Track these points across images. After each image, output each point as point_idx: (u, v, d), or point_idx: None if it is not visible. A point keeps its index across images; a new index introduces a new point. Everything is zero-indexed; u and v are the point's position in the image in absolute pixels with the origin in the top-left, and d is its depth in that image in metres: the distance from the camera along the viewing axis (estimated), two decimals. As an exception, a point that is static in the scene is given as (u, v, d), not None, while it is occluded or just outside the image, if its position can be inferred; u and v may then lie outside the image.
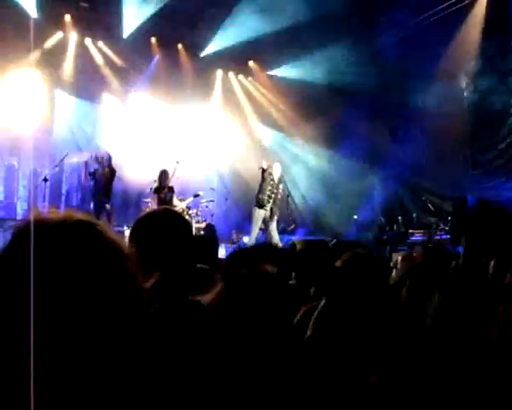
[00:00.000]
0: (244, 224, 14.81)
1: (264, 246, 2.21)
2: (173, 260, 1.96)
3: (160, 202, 11.40)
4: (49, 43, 14.04)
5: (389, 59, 15.96)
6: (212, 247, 4.48)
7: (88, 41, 14.85)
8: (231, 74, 17.44)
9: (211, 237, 10.68)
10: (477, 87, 16.82)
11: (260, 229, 12.18)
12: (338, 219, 17.17)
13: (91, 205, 11.37)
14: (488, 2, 13.81)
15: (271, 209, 12.01)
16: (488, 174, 16.20)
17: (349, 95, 16.99)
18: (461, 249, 5.40)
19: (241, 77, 17.48)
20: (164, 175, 11.86)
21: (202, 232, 11.46)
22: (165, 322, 1.68)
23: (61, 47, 14.35)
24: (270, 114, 17.21)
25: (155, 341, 1.14)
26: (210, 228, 12.50)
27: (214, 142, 16.38)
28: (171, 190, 11.91)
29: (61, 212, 1.04)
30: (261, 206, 11.77)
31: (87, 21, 14.48)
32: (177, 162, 12.20)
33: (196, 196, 12.64)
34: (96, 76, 14.90)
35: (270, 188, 11.97)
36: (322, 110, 16.70)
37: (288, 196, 12.84)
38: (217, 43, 16.20)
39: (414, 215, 17.26)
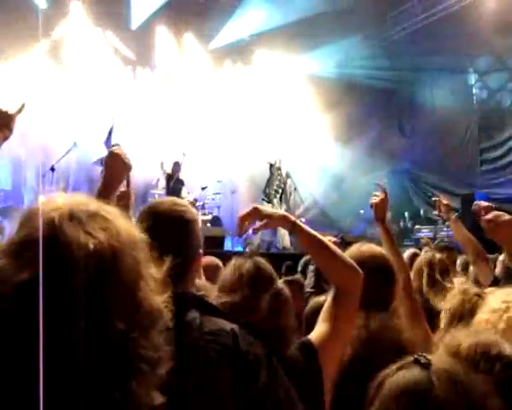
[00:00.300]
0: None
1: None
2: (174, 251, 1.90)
3: (169, 192, 11.40)
4: (57, 32, 14.02)
5: (399, 53, 15.89)
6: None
7: (97, 31, 14.82)
8: (240, 66, 17.37)
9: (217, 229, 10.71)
10: (486, 84, 16.74)
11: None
12: (344, 215, 17.14)
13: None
14: (499, -2, 13.69)
15: (279, 203, 12.00)
16: (496, 171, 16.14)
17: (358, 89, 16.94)
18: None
19: (249, 68, 17.42)
20: (176, 167, 11.89)
21: (209, 225, 11.47)
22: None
23: (68, 36, 14.33)
24: (279, 108, 17.14)
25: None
26: (216, 221, 12.52)
27: (221, 134, 16.34)
28: (181, 182, 11.94)
29: (69, 195, 0.97)
30: (268, 200, 11.75)
31: (95, 11, 14.46)
32: (184, 154, 12.20)
33: (203, 188, 12.64)
34: (103, 66, 14.89)
35: (277, 183, 11.95)
36: (332, 104, 16.65)
37: (294, 189, 12.79)
38: (226, 35, 16.14)
39: (421, 211, 17.20)
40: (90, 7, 14.34)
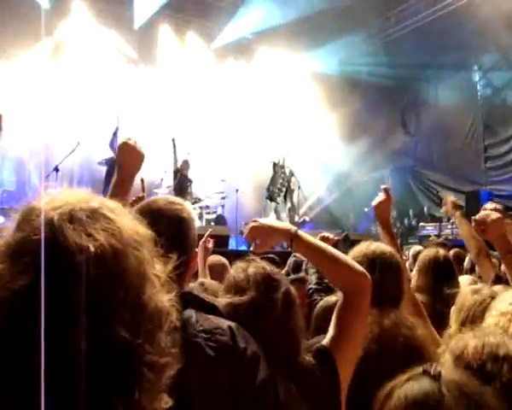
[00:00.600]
0: (255, 216, 14.77)
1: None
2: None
3: (177, 189, 11.38)
4: (60, 32, 14.02)
5: (402, 51, 15.83)
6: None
7: (99, 30, 14.82)
8: (242, 64, 17.36)
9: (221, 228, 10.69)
10: (491, 81, 16.69)
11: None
12: (348, 212, 17.13)
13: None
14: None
15: (283, 202, 11.98)
16: (501, 168, 16.11)
17: (362, 87, 16.93)
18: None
19: (252, 67, 17.40)
20: (185, 165, 11.90)
21: (213, 224, 11.45)
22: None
23: (72, 36, 14.34)
24: (282, 106, 17.12)
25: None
26: (221, 220, 12.50)
27: (225, 133, 16.33)
28: (190, 180, 11.95)
29: (70, 192, 0.93)
30: (272, 198, 11.73)
31: (98, 10, 14.47)
32: (188, 153, 12.19)
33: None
34: (106, 65, 14.89)
35: (281, 181, 11.93)
36: (335, 102, 16.63)
37: (298, 188, 12.78)
38: (228, 33, 16.13)
39: (425, 208, 17.18)
40: (92, 6, 14.35)
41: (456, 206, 4.19)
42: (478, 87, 16.97)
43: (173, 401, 0.92)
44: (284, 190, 12.00)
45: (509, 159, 15.85)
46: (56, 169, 10.73)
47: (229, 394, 1.60)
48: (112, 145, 11.41)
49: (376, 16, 15.99)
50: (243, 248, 12.66)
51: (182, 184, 11.54)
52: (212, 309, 1.76)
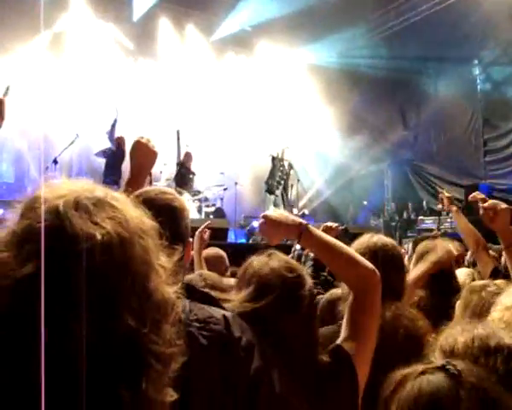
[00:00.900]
0: (254, 208, 14.78)
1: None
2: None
3: (180, 181, 11.38)
4: (59, 24, 13.98)
5: (402, 44, 15.80)
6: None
7: (98, 22, 14.77)
8: (242, 57, 17.33)
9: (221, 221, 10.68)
10: (491, 76, 16.67)
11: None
12: (347, 205, 17.14)
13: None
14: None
15: (281, 195, 11.97)
16: (500, 161, 16.11)
17: (361, 79, 16.90)
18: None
19: (251, 60, 17.37)
20: (187, 157, 11.89)
21: (212, 216, 11.45)
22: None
23: (70, 29, 14.30)
24: (281, 99, 17.10)
25: None
26: (220, 212, 12.50)
27: (224, 126, 16.31)
28: (193, 173, 11.95)
29: (74, 182, 0.91)
30: (271, 191, 11.72)
31: (97, 3, 14.42)
32: (187, 146, 12.19)
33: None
34: (105, 57, 14.86)
35: (279, 174, 11.92)
36: (334, 94, 16.61)
37: (298, 181, 12.77)
38: (228, 26, 16.09)
39: (424, 202, 17.19)
40: (91, -2, 14.33)
41: (452, 202, 4.26)
42: (478, 81, 16.95)
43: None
44: (283, 182, 11.99)
45: (508, 153, 15.84)
46: (55, 161, 10.73)
47: (222, 383, 1.58)
48: (111, 137, 11.41)
49: (376, 9, 15.94)
50: (242, 241, 12.68)
51: (183, 177, 11.53)
52: (205, 298, 1.74)
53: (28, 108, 12.89)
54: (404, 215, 16.92)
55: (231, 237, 11.65)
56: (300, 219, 2.05)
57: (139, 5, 14.92)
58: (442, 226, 14.45)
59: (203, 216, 11.40)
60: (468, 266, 4.62)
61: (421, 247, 3.62)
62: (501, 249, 4.28)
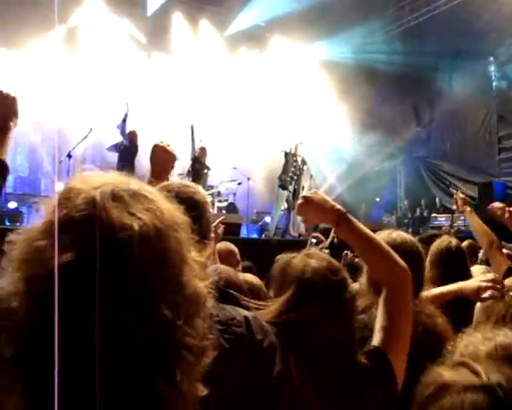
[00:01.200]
0: (266, 204, 14.79)
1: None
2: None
3: (196, 176, 11.39)
4: (73, 19, 14.04)
5: (416, 40, 15.71)
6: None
7: (112, 17, 14.81)
8: (255, 52, 17.31)
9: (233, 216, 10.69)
10: (506, 73, 16.51)
11: (282, 210, 12.14)
12: (360, 202, 17.08)
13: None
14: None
15: (295, 190, 11.93)
16: (514, 159, 15.99)
17: (375, 75, 16.81)
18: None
19: (265, 55, 17.35)
20: (202, 152, 11.90)
21: (224, 212, 11.46)
22: None
23: (84, 23, 14.36)
24: (295, 94, 17.06)
25: None
26: (232, 207, 12.51)
27: (237, 121, 16.32)
28: (207, 167, 11.96)
29: (107, 173, 0.92)
30: (284, 187, 11.69)
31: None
32: (201, 141, 12.19)
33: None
34: (119, 52, 14.90)
35: (293, 169, 11.87)
36: (348, 90, 16.53)
37: (310, 177, 12.71)
38: (241, 21, 16.08)
39: (437, 199, 17.10)
40: (105, -7, 14.37)
41: (466, 202, 4.27)
42: (493, 78, 16.81)
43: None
44: (296, 178, 11.95)
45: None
46: (69, 155, 10.78)
47: (244, 386, 1.56)
48: (122, 132, 11.44)
49: (391, 5, 15.85)
50: (254, 236, 12.69)
51: (196, 171, 11.54)
52: (227, 298, 1.73)
53: (42, 102, 12.98)
54: (417, 212, 16.85)
55: (243, 233, 11.65)
56: (340, 206, 1.98)
57: (153, 0, 14.94)
58: (455, 224, 14.37)
59: (215, 211, 11.41)
60: (482, 264, 4.60)
61: (438, 249, 3.58)
62: None
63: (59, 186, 0.94)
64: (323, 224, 2.17)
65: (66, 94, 13.76)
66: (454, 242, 3.68)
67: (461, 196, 4.36)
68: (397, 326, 1.88)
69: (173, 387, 0.83)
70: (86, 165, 13.48)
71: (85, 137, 11.37)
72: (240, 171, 13.22)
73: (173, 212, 0.92)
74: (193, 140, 11.98)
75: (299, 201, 1.99)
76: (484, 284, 2.51)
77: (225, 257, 4.00)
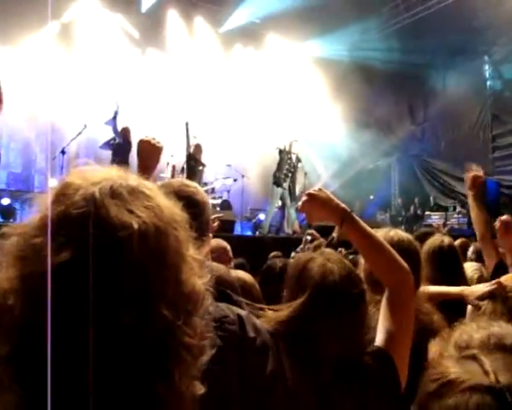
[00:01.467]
0: (261, 201, 14.79)
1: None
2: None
3: (191, 173, 11.38)
4: (67, 15, 13.98)
5: (411, 38, 15.71)
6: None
7: (106, 13, 14.76)
8: (250, 49, 17.28)
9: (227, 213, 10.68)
10: (500, 72, 16.56)
11: (277, 207, 12.16)
12: (354, 199, 17.09)
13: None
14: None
15: (289, 187, 11.95)
16: (508, 157, 16.02)
17: (369, 73, 16.82)
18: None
19: (260, 52, 17.33)
20: (197, 149, 11.88)
21: (218, 209, 11.45)
22: None
23: (79, 19, 14.30)
24: (289, 92, 17.05)
25: None
26: (226, 204, 12.51)
27: (231, 118, 16.30)
28: (203, 165, 11.94)
29: (104, 168, 0.92)
30: (278, 184, 11.70)
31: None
32: (195, 137, 12.17)
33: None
34: (113, 48, 14.85)
35: (287, 167, 11.88)
36: (343, 88, 16.54)
37: (305, 174, 12.73)
38: (236, 18, 16.05)
39: (431, 197, 17.14)
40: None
41: (474, 184, 4.13)
42: (487, 77, 16.86)
43: None
44: (290, 175, 11.97)
45: (516, 149, 15.77)
46: (63, 151, 10.75)
47: (236, 384, 1.56)
48: (114, 130, 11.43)
49: (386, 3, 15.86)
50: (248, 233, 12.69)
51: (191, 168, 11.53)
52: (222, 296, 1.71)
53: (36, 98, 12.92)
54: (411, 210, 16.88)
55: (237, 230, 11.65)
56: (344, 205, 1.98)
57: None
58: (449, 222, 14.42)
59: (210, 207, 11.39)
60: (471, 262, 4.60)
61: (431, 247, 3.58)
62: None
63: (52, 183, 0.93)
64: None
65: (60, 90, 13.70)
66: (447, 240, 3.68)
67: (472, 174, 4.13)
68: (399, 327, 1.87)
69: (172, 387, 0.82)
70: (80, 160, 13.47)
71: (79, 134, 11.35)
72: (234, 168, 13.22)
73: (172, 209, 0.91)
74: (188, 137, 11.95)
75: (304, 197, 1.99)
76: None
77: (217, 254, 3.99)
